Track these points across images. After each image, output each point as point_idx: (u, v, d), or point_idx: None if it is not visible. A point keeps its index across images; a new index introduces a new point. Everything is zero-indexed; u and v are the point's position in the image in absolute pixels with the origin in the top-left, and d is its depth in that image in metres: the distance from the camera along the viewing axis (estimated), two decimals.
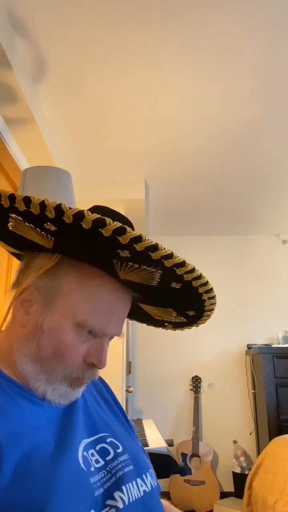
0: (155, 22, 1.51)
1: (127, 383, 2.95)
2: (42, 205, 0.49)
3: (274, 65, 1.73)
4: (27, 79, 1.76)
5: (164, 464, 1.54)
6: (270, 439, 2.41)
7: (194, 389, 3.37)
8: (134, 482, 0.61)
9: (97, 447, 0.61)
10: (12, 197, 0.51)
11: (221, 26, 1.53)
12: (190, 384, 3.43)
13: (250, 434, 3.29)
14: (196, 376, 3.41)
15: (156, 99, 1.95)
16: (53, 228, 0.53)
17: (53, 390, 0.59)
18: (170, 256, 0.52)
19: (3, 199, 0.52)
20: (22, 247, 0.65)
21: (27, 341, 0.59)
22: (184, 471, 2.54)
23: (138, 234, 0.50)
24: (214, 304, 0.64)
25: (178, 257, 0.53)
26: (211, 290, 0.60)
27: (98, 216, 0.49)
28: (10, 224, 0.57)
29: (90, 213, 0.49)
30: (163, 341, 3.53)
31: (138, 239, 0.50)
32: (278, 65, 1.73)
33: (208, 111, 2.04)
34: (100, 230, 0.50)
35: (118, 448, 0.63)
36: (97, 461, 0.59)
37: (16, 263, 2.17)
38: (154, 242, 0.51)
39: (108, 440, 0.64)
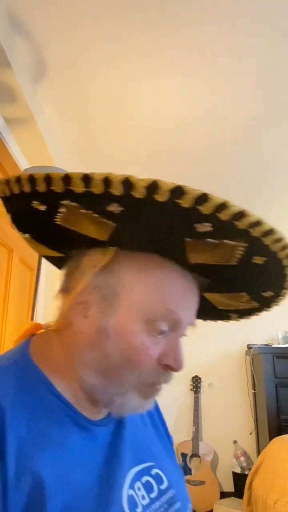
0: (155, 23, 1.51)
1: None
2: (106, 181, 0.41)
3: (274, 65, 1.73)
4: (27, 79, 1.76)
5: None
6: (270, 439, 2.41)
7: (194, 389, 3.37)
8: None
9: (143, 480, 0.55)
10: (67, 179, 0.43)
11: (221, 26, 1.53)
12: (190, 384, 3.43)
13: (250, 434, 3.29)
14: (196, 376, 3.41)
15: (156, 100, 1.95)
16: (118, 210, 0.44)
17: (124, 403, 0.52)
18: (259, 223, 0.44)
19: (55, 183, 0.43)
20: (66, 247, 0.57)
21: (89, 349, 0.51)
22: (184, 471, 2.54)
23: (223, 199, 0.42)
24: None
25: (267, 223, 0.44)
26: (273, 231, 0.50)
27: (175, 183, 0.41)
28: (59, 217, 0.49)
29: (165, 181, 0.41)
30: None
31: (223, 205, 0.42)
32: (278, 65, 1.73)
33: (208, 111, 2.04)
34: (178, 201, 0.41)
35: (162, 483, 0.57)
36: (143, 497, 0.53)
37: (16, 267, 2.17)
38: (241, 208, 0.42)
39: (153, 472, 0.57)
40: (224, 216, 0.43)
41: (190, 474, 2.97)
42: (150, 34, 1.57)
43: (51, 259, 0.64)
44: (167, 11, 1.47)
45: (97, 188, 0.42)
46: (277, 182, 2.80)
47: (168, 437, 0.70)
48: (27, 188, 0.46)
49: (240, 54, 1.67)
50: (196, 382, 3.38)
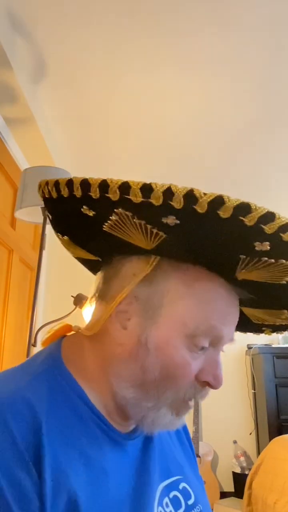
0: (155, 23, 1.51)
1: None
2: (168, 193, 0.40)
3: (274, 65, 1.73)
4: (27, 79, 1.76)
5: None
6: (270, 439, 2.41)
7: None
8: None
9: (171, 495, 0.53)
10: (125, 187, 0.41)
11: (221, 26, 1.53)
12: None
13: (250, 434, 3.29)
14: None
15: (156, 100, 1.95)
16: (173, 222, 0.43)
17: (156, 419, 0.50)
18: None
19: (111, 191, 0.42)
20: (105, 252, 0.55)
21: (127, 362, 0.49)
22: None
23: (287, 219, 0.40)
24: None
25: None
26: None
27: (240, 200, 0.40)
28: (107, 224, 0.47)
29: (230, 198, 0.40)
30: None
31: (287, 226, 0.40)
32: (277, 65, 1.73)
33: (208, 111, 2.04)
34: (242, 218, 0.40)
35: (190, 498, 0.55)
36: None
37: (16, 267, 2.17)
38: None
39: (181, 486, 0.56)
40: (286, 237, 0.41)
41: None
42: (150, 35, 1.57)
43: (85, 262, 0.62)
44: (168, 14, 1.47)
45: (157, 200, 0.41)
46: (277, 182, 2.80)
47: (192, 447, 0.69)
48: (78, 193, 0.44)
49: (239, 56, 1.67)
50: None
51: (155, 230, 0.45)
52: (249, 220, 0.40)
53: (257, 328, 0.69)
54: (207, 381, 0.50)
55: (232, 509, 2.64)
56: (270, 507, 1.70)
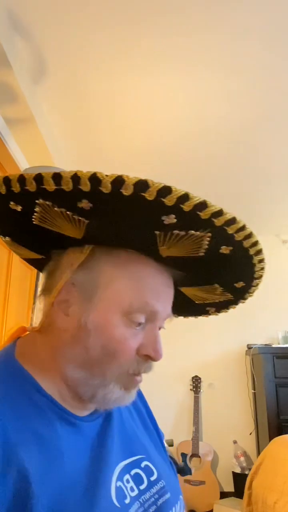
0: (155, 23, 1.51)
1: None
2: (75, 178, 0.43)
3: (275, 65, 1.73)
4: (27, 79, 1.76)
5: None
6: (270, 439, 2.41)
7: (194, 389, 3.37)
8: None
9: (132, 472, 0.57)
10: (39, 178, 0.44)
11: (221, 26, 1.53)
12: (190, 384, 3.43)
13: (250, 434, 3.29)
14: (196, 376, 3.41)
15: (156, 100, 1.95)
16: (88, 206, 0.46)
17: (107, 395, 0.53)
18: (220, 212, 0.46)
19: (28, 183, 0.45)
20: (45, 249, 0.59)
21: (72, 345, 0.53)
22: (184, 471, 2.54)
23: (184, 191, 0.44)
24: (263, 269, 0.57)
25: (228, 213, 0.47)
26: (261, 251, 0.54)
27: (138, 178, 0.43)
28: (35, 217, 0.51)
29: (129, 176, 0.43)
30: (163, 341, 3.52)
31: (185, 197, 0.44)
32: (278, 64, 1.73)
33: (208, 111, 2.04)
34: (143, 194, 0.43)
35: (153, 474, 0.59)
36: (132, 489, 0.54)
37: (16, 267, 2.17)
38: (202, 199, 0.45)
39: (143, 464, 0.59)
40: (187, 207, 0.45)
41: (190, 474, 2.97)
42: (150, 35, 1.57)
43: (32, 262, 0.66)
44: (168, 13, 1.47)
45: (67, 186, 0.44)
46: (277, 182, 2.80)
47: (157, 431, 0.72)
48: (2, 190, 0.47)
49: (240, 56, 1.67)
50: (196, 382, 3.38)
51: (76, 217, 0.49)
52: (149, 195, 0.43)
53: (202, 309, 0.73)
54: (147, 354, 0.54)
55: (232, 509, 2.64)
56: (270, 507, 1.70)
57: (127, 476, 0.55)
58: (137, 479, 0.56)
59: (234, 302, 0.68)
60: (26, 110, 1.77)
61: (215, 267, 0.57)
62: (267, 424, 2.91)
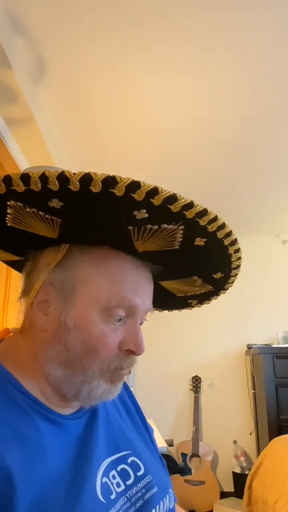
0: (155, 22, 1.51)
1: (127, 383, 2.95)
2: (43, 178, 0.43)
3: (275, 65, 1.73)
4: (27, 79, 1.76)
5: None
6: (270, 439, 2.41)
7: (194, 389, 3.37)
8: (158, 506, 0.57)
9: (118, 468, 0.57)
10: (7, 179, 0.45)
11: (221, 25, 1.53)
12: (190, 384, 3.43)
13: (250, 434, 3.29)
14: (196, 376, 3.41)
15: (156, 100, 1.95)
16: (58, 204, 0.46)
17: (91, 391, 0.53)
18: (190, 205, 0.46)
19: None
20: (22, 250, 0.60)
21: (52, 344, 0.53)
22: (184, 471, 2.54)
23: (152, 185, 0.44)
24: (240, 258, 0.58)
25: (199, 205, 0.47)
26: (236, 241, 0.54)
27: (106, 174, 0.43)
28: (8, 218, 0.51)
29: (97, 173, 0.43)
30: (163, 341, 3.53)
31: (154, 191, 0.44)
32: (278, 64, 1.73)
33: (208, 111, 2.04)
34: (112, 190, 0.44)
35: (139, 469, 0.59)
36: (118, 485, 0.54)
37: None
38: (171, 192, 0.45)
39: (129, 460, 0.59)
40: (156, 201, 0.45)
41: (190, 474, 2.97)
42: (150, 34, 1.57)
43: (11, 264, 0.67)
44: (168, 12, 1.47)
45: (36, 186, 0.44)
46: (277, 182, 2.80)
47: (146, 427, 0.72)
48: None
49: (241, 55, 1.67)
50: (196, 382, 3.38)
51: (49, 216, 0.49)
52: (118, 191, 0.44)
53: (184, 302, 0.73)
54: (129, 349, 0.54)
55: (232, 509, 2.64)
56: (270, 507, 1.70)
57: (113, 472, 0.55)
58: (124, 475, 0.56)
59: (215, 293, 0.69)
60: (26, 110, 1.77)
61: (192, 260, 0.58)
62: (267, 424, 2.91)
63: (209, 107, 2.01)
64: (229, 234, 0.52)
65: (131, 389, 0.79)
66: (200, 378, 3.40)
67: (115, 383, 0.55)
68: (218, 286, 0.66)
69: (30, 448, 0.47)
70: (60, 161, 2.35)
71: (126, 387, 0.76)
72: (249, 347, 3.33)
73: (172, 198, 0.45)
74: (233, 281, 0.65)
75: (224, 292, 0.69)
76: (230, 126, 2.16)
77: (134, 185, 0.44)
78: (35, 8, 1.45)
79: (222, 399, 3.41)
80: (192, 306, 0.76)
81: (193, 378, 3.42)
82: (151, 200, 0.45)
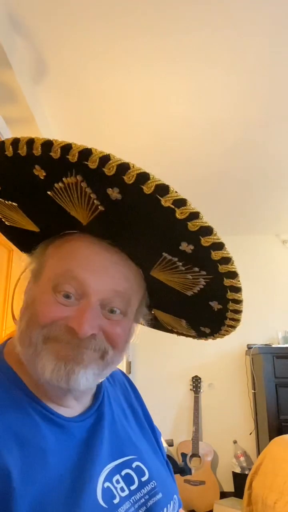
0: (154, 22, 1.51)
1: None
2: (123, 167, 0.42)
3: (275, 65, 1.73)
4: (27, 79, 1.76)
5: None
6: (270, 439, 2.41)
7: (194, 389, 3.37)
8: None
9: (123, 473, 0.56)
10: (85, 154, 0.44)
11: (221, 25, 1.53)
12: (190, 384, 3.43)
13: (250, 434, 3.29)
14: (196, 376, 3.41)
15: (156, 99, 1.95)
16: (116, 196, 0.45)
17: (44, 365, 0.50)
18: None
19: (71, 154, 0.44)
20: (45, 222, 0.60)
21: (20, 328, 0.53)
22: (184, 471, 2.54)
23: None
24: (239, 320, 0.55)
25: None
26: (240, 289, 0.50)
27: (180, 196, 0.41)
28: (58, 186, 0.49)
29: (173, 188, 0.42)
30: (163, 341, 3.52)
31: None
32: (279, 64, 1.73)
33: (209, 112, 2.04)
34: (175, 208, 0.42)
35: (144, 475, 0.58)
36: (122, 489, 0.53)
37: (17, 269, 2.16)
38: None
39: (134, 465, 0.58)
40: (205, 242, 0.44)
41: (190, 474, 2.98)
42: (150, 34, 1.56)
43: (16, 236, 0.66)
44: (168, 12, 1.47)
45: (109, 170, 0.43)
46: (277, 182, 2.80)
47: (154, 430, 0.71)
48: (38, 152, 0.46)
49: (241, 55, 1.67)
50: (196, 382, 3.38)
51: (96, 201, 0.47)
52: (180, 213, 0.42)
53: (170, 331, 0.73)
54: (71, 326, 0.50)
55: (232, 509, 2.64)
56: (270, 507, 1.70)
57: (117, 477, 0.54)
58: (128, 480, 0.56)
59: (195, 337, 0.68)
60: (26, 110, 1.77)
61: (190, 308, 0.58)
62: (267, 424, 2.91)
63: (210, 107, 2.01)
64: (233, 274, 0.48)
65: None
66: (200, 378, 3.40)
67: (65, 361, 0.50)
68: (201, 335, 0.66)
69: (31, 450, 0.47)
70: None
71: (134, 388, 0.75)
72: (249, 347, 3.33)
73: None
74: (216, 337, 0.64)
75: (204, 340, 0.68)
76: (230, 126, 2.16)
77: (194, 215, 0.42)
78: (35, 8, 1.45)
79: (222, 399, 3.41)
80: (179, 335, 0.75)
81: (193, 378, 3.42)
82: (201, 237, 0.43)
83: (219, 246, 0.44)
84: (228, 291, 0.48)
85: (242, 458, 3.11)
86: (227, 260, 0.45)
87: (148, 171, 0.43)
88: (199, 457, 3.09)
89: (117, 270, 0.54)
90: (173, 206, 0.43)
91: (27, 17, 1.48)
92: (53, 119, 2.09)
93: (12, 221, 0.56)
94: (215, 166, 2.58)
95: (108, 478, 0.53)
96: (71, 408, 0.57)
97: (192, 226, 0.43)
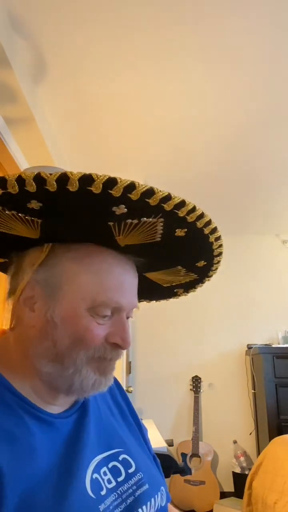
0: (154, 22, 1.51)
1: (127, 383, 2.95)
2: (20, 180, 0.44)
3: (275, 65, 1.73)
4: (27, 79, 1.76)
5: (164, 464, 1.54)
6: (270, 439, 2.41)
7: (194, 389, 3.37)
8: (149, 503, 0.58)
9: (110, 465, 0.58)
10: None
11: (221, 25, 1.53)
12: (190, 384, 3.43)
13: (250, 434, 3.29)
14: (196, 376, 3.41)
15: (156, 99, 1.95)
16: (37, 205, 0.47)
17: (83, 381, 0.54)
18: (168, 197, 0.48)
19: None
20: (6, 252, 0.61)
21: (40, 341, 0.54)
22: (184, 471, 2.54)
23: (129, 181, 0.45)
24: (221, 246, 0.60)
25: (177, 197, 0.48)
26: (216, 229, 0.55)
27: (83, 173, 0.44)
28: None
29: (74, 172, 0.44)
30: (163, 341, 3.53)
31: (132, 186, 0.45)
32: (278, 64, 1.73)
33: (208, 111, 2.04)
34: (89, 188, 0.44)
35: (130, 467, 0.60)
36: (109, 481, 0.55)
37: None
38: (148, 186, 0.46)
39: (121, 457, 0.60)
40: (134, 196, 0.46)
41: (190, 474, 2.97)
42: (150, 34, 1.56)
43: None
44: (167, 11, 1.47)
45: (13, 189, 0.45)
46: (277, 182, 2.80)
47: (140, 426, 0.73)
48: None
49: (241, 54, 1.67)
50: (196, 382, 3.38)
51: (29, 217, 0.50)
52: (95, 189, 0.44)
53: (171, 292, 0.75)
54: (115, 342, 0.55)
55: (232, 509, 2.64)
56: (270, 507, 1.70)
57: (104, 469, 0.56)
58: (115, 472, 0.58)
59: (199, 280, 0.70)
60: (26, 110, 1.77)
61: (174, 250, 0.59)
62: (267, 424, 2.91)
63: (210, 107, 2.01)
64: (208, 222, 0.53)
65: (131, 389, 0.81)
66: (200, 378, 3.40)
67: (104, 374, 0.56)
68: (202, 274, 0.68)
69: (19, 447, 0.48)
70: (60, 161, 2.35)
71: (120, 388, 0.77)
72: (249, 347, 3.33)
73: (150, 192, 0.46)
74: (216, 268, 0.67)
75: (208, 279, 0.71)
76: (231, 126, 2.16)
77: (111, 182, 0.44)
78: (36, 8, 1.45)
79: (222, 399, 3.41)
80: (179, 295, 0.78)
81: (193, 378, 3.42)
82: (129, 195, 0.46)
83: (150, 192, 0.47)
84: (184, 216, 0.51)
85: (242, 458, 3.11)
86: (167, 198, 0.48)
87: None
88: (199, 457, 3.09)
89: (136, 285, 0.60)
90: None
91: (27, 17, 1.48)
92: (53, 119, 2.09)
93: (8, 228, 0.54)
94: (215, 166, 2.58)
95: (96, 470, 0.55)
96: (60, 406, 0.59)
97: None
